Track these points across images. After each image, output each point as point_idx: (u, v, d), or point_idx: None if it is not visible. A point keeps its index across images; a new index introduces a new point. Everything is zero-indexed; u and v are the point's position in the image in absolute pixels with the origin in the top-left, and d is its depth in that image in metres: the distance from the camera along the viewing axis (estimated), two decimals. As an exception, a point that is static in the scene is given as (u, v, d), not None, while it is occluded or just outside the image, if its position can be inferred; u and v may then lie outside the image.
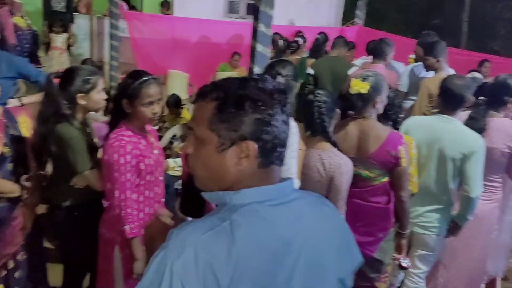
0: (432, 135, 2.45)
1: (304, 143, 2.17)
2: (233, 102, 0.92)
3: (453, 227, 2.56)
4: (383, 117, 2.44)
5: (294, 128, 1.97)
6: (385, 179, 2.24)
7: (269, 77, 1.02)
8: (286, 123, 0.96)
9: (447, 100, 2.50)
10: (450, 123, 2.46)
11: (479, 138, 2.44)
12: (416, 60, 4.19)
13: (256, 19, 2.74)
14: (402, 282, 2.73)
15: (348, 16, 10.54)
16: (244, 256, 0.87)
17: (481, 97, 2.78)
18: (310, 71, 4.68)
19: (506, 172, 2.72)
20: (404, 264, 2.39)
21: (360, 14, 9.02)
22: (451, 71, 3.69)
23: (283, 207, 0.95)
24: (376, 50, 4.01)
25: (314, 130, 2.18)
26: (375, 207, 2.26)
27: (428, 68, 3.69)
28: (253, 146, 0.92)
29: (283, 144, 0.97)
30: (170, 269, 0.84)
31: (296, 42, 6.93)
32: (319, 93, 2.18)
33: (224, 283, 0.85)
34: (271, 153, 0.95)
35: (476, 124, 2.60)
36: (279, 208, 0.94)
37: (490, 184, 2.69)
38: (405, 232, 2.38)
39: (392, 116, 2.48)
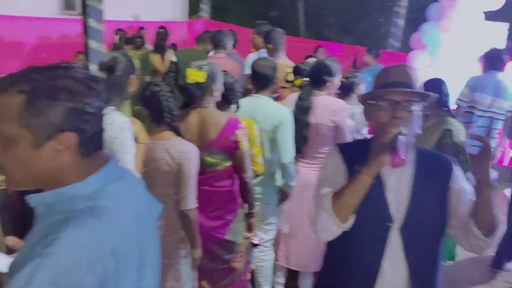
0: (251, 113, 2.64)
1: (146, 136, 2.17)
2: (45, 94, 0.87)
3: (281, 195, 2.83)
4: (225, 102, 2.56)
5: (125, 123, 1.93)
6: (228, 163, 2.34)
7: (77, 65, 0.98)
8: (101, 109, 0.96)
9: (256, 80, 2.75)
10: (261, 100, 2.70)
11: (286, 110, 2.71)
12: (254, 46, 4.45)
13: (85, 14, 2.60)
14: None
15: (194, 10, 10.68)
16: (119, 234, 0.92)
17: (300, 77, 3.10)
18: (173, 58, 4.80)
19: (334, 143, 3.06)
20: (255, 242, 2.53)
21: (205, 7, 9.19)
22: (285, 58, 4.05)
23: (122, 183, 1.00)
24: (215, 41, 4.12)
25: (160, 119, 2.18)
26: (221, 191, 2.35)
27: (270, 55, 3.93)
28: (71, 137, 0.89)
29: (102, 130, 0.98)
30: None
31: (141, 37, 6.78)
32: (162, 84, 2.22)
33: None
34: (92, 141, 0.94)
35: (303, 103, 2.87)
36: (121, 185, 0.99)
37: (320, 156, 2.97)
38: (253, 212, 2.52)
39: (233, 100, 2.61)
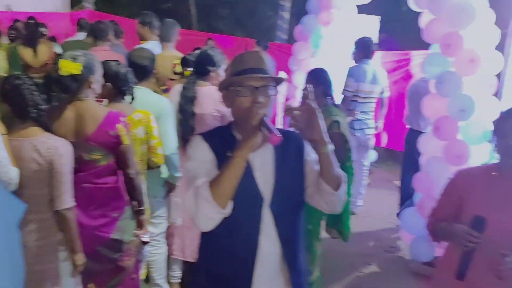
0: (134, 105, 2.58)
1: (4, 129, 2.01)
2: None
3: (168, 187, 2.84)
4: (119, 93, 2.49)
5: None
6: (110, 159, 2.24)
7: None
8: None
9: (135, 71, 2.64)
10: (139, 92, 2.63)
11: (166, 101, 2.71)
12: (141, 38, 4.31)
13: None
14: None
15: (77, 0, 10.01)
16: None
17: (190, 69, 3.09)
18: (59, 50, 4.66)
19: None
20: (145, 239, 2.47)
21: (89, -2, 8.68)
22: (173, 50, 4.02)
23: None
24: (95, 32, 3.91)
25: (24, 115, 2.03)
26: (105, 188, 2.25)
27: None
28: None
29: None
30: None
31: (16, 29, 6.20)
32: (24, 77, 2.06)
33: None
34: None
35: (188, 93, 2.87)
36: None
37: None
38: (142, 208, 2.45)
39: (126, 91, 2.51)
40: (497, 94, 3.69)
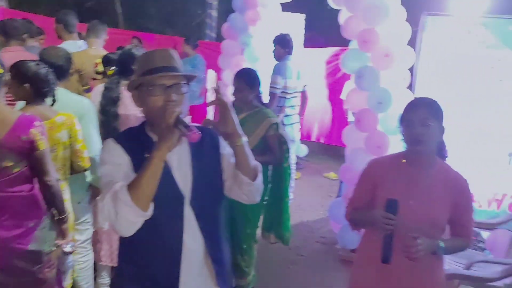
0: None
1: None
2: None
3: (93, 191, 2.75)
4: (39, 95, 2.34)
5: None
6: (24, 165, 2.11)
7: None
8: None
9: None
10: (57, 93, 2.46)
11: (87, 101, 2.62)
12: (59, 37, 4.14)
13: None
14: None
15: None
16: None
17: (113, 68, 2.98)
18: None
19: None
20: (67, 249, 2.35)
21: (2, -5, 8.09)
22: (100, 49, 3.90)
23: None
24: (7, 31, 3.66)
25: None
26: (19, 197, 2.09)
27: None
28: None
29: None
30: None
31: None
32: None
33: None
34: None
35: (111, 93, 2.77)
36: None
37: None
38: (64, 217, 2.32)
39: (48, 93, 2.38)
40: (411, 87, 3.94)
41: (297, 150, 5.53)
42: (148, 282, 1.59)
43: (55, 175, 2.24)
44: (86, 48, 4.02)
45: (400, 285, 1.82)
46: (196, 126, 1.48)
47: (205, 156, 1.63)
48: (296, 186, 5.43)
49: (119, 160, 1.52)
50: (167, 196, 1.51)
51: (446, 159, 1.98)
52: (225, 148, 1.66)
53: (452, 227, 1.87)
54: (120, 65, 2.90)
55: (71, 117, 2.41)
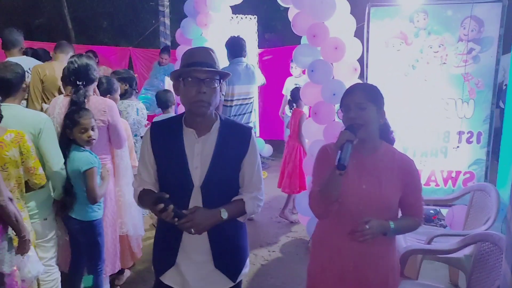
0: (4, 125, 2.34)
1: None
2: None
3: (56, 206, 2.69)
4: None
5: None
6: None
7: None
8: None
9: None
10: (12, 109, 2.45)
11: (44, 116, 2.57)
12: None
13: None
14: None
15: None
16: None
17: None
18: None
19: (111, 143, 3.03)
20: (28, 275, 2.31)
21: None
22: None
23: None
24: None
25: None
26: (-28, 218, 2.05)
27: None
28: None
29: None
30: None
31: None
32: None
33: None
34: None
35: (79, 105, 2.76)
36: None
37: (101, 159, 2.92)
38: (23, 235, 2.26)
39: None
40: (363, 77, 4.08)
41: (261, 150, 5.60)
42: (159, 244, 1.93)
43: (7, 194, 2.14)
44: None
45: (355, 270, 1.85)
46: (229, 122, 1.85)
47: (230, 149, 1.79)
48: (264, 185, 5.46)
49: (146, 152, 1.84)
50: (179, 182, 1.77)
51: (394, 143, 1.98)
52: (251, 155, 1.84)
53: (402, 207, 1.90)
54: (81, 76, 2.87)
55: (21, 134, 2.32)
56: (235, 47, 4.35)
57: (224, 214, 1.75)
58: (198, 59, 1.71)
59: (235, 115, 4.28)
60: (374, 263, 1.85)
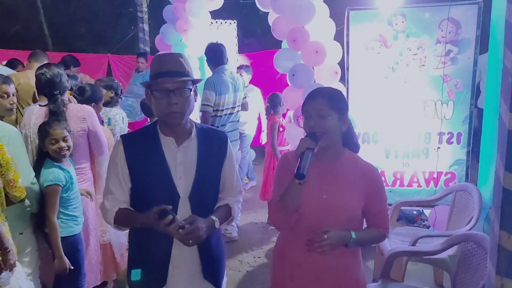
0: None
1: None
2: None
3: (36, 221, 2.58)
4: None
5: None
6: None
7: None
8: None
9: None
10: None
11: (9, 126, 2.46)
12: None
13: None
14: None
15: None
16: None
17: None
18: None
19: (92, 149, 2.97)
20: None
21: None
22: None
23: None
24: None
25: None
26: None
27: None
28: None
29: None
30: None
31: None
32: None
33: None
34: None
35: (57, 115, 2.70)
36: None
37: (79, 167, 2.86)
38: (6, 247, 2.18)
39: None
40: (344, 80, 4.09)
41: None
42: (144, 264, 1.77)
43: None
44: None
45: (316, 285, 1.76)
46: (204, 128, 1.79)
47: (211, 156, 1.76)
48: (249, 190, 5.44)
49: (119, 167, 1.72)
50: (163, 194, 1.68)
51: (359, 150, 1.87)
52: (230, 159, 1.82)
53: (366, 218, 1.82)
54: (56, 86, 2.81)
55: (1, 146, 2.25)
56: (217, 54, 4.10)
57: (217, 223, 1.72)
58: (167, 68, 1.61)
59: (223, 125, 4.08)
60: (337, 276, 1.77)
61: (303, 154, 1.59)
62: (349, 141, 1.82)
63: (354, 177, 1.75)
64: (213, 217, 1.71)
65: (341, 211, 1.71)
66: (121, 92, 4.01)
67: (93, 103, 3.24)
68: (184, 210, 1.70)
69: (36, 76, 2.89)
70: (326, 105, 1.68)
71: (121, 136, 1.84)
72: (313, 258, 1.72)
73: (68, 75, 3.17)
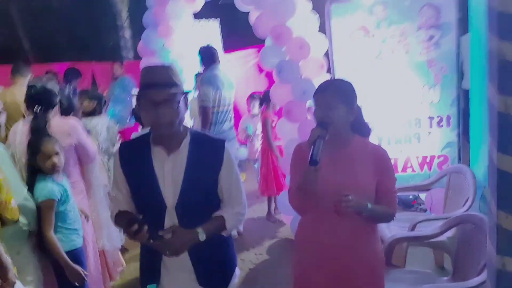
0: None
1: None
2: None
3: (36, 240, 2.54)
4: None
5: None
6: None
7: None
8: None
9: None
10: None
11: None
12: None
13: None
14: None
15: None
16: None
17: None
18: None
19: (80, 160, 2.95)
20: None
21: None
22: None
23: None
24: None
25: None
26: None
27: None
28: None
29: None
30: None
31: None
32: None
33: None
34: None
35: (40, 130, 2.67)
36: None
37: (71, 180, 2.84)
38: (5, 266, 2.16)
39: None
40: (330, 71, 4.11)
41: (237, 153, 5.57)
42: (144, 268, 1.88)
43: None
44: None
45: (339, 262, 1.87)
46: (199, 135, 1.78)
47: (202, 165, 1.72)
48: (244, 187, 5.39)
49: (117, 173, 1.78)
50: (151, 203, 1.71)
51: (370, 134, 2.00)
52: (227, 169, 1.77)
53: (376, 197, 1.89)
54: (39, 102, 2.77)
55: None
56: (209, 53, 4.19)
57: (202, 236, 1.68)
58: (153, 80, 1.62)
59: (223, 121, 4.14)
60: (359, 253, 1.88)
61: (315, 142, 1.71)
62: (359, 128, 1.94)
63: (366, 159, 1.86)
64: (199, 230, 1.69)
65: (356, 191, 1.79)
66: (104, 102, 3.98)
67: (72, 112, 3.20)
68: (171, 221, 1.70)
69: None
70: (334, 98, 1.79)
71: (120, 144, 1.90)
72: (335, 237, 1.84)
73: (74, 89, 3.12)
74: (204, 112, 4.01)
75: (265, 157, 4.89)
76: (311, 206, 1.87)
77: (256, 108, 5.25)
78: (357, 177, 1.84)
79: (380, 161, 1.87)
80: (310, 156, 1.69)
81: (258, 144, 5.24)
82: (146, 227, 1.58)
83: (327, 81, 2.00)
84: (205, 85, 4.01)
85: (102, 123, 3.78)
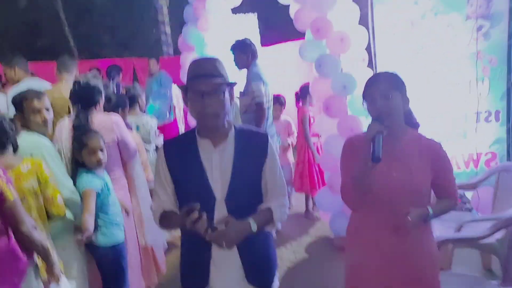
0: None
1: None
2: None
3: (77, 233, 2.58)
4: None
5: None
6: (-5, 218, 2.03)
7: None
8: None
9: None
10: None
11: (43, 140, 2.48)
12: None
13: None
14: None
15: None
16: None
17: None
18: None
19: (122, 156, 3.00)
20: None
21: None
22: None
23: None
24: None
25: None
26: (-5, 252, 2.03)
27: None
28: None
29: None
30: None
31: None
32: None
33: None
34: None
35: (82, 126, 2.74)
36: None
37: (113, 175, 2.89)
38: (53, 265, 2.21)
39: (5, 142, 2.20)
40: (372, 66, 3.99)
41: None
42: (189, 265, 1.85)
43: (31, 222, 2.13)
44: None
45: (394, 258, 1.82)
46: (244, 129, 1.80)
47: (249, 158, 1.74)
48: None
49: (161, 170, 1.78)
50: (200, 196, 1.66)
51: (419, 127, 1.98)
52: (271, 162, 1.78)
53: (435, 190, 1.89)
54: (81, 99, 2.83)
55: (38, 163, 2.24)
56: (251, 49, 3.97)
57: (254, 226, 1.69)
58: (202, 71, 1.66)
59: (267, 118, 3.93)
60: (414, 250, 1.83)
61: (375, 137, 1.68)
62: (410, 120, 1.92)
63: (420, 153, 1.82)
64: (250, 221, 1.69)
65: (411, 187, 1.78)
66: (140, 99, 4.05)
67: (120, 108, 3.27)
68: (221, 213, 1.70)
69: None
70: (389, 86, 1.78)
71: (164, 141, 1.92)
72: (388, 234, 1.81)
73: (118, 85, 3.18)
74: (260, 109, 3.79)
75: (301, 154, 4.83)
76: (367, 202, 1.84)
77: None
78: (412, 172, 1.80)
79: (435, 155, 1.84)
80: (372, 153, 1.67)
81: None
82: (205, 215, 1.58)
83: (375, 74, 1.98)
84: (257, 80, 3.81)
85: (149, 121, 3.88)
